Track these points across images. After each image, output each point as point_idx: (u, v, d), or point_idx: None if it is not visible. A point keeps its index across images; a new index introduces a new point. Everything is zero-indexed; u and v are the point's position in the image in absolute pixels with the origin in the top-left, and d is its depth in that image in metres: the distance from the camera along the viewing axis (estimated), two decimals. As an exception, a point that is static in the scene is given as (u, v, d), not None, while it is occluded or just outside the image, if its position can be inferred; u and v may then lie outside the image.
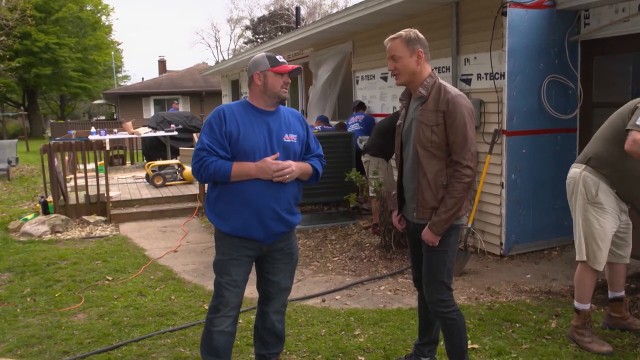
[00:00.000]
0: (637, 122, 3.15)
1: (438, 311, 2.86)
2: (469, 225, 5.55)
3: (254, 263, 3.09)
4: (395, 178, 7.14)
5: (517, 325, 3.88)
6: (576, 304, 3.56)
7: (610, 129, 3.44)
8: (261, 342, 3.21)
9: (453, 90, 2.78)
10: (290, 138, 2.96)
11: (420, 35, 2.85)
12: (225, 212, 2.91)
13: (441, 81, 2.83)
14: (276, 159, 2.85)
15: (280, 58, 2.95)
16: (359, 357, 3.47)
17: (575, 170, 3.53)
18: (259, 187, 2.86)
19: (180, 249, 6.47)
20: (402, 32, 2.82)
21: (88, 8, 35.69)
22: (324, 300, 4.60)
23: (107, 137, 11.82)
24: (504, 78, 5.31)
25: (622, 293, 3.69)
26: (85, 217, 7.83)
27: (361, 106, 7.88)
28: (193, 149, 9.87)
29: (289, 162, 2.89)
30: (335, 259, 5.80)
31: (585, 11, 5.35)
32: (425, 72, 2.83)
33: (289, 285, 3.20)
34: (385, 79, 7.58)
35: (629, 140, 3.14)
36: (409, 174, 2.91)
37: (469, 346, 3.50)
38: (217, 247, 3.02)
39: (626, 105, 3.41)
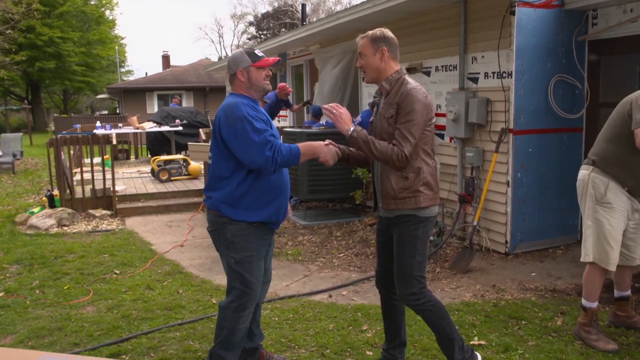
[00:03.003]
0: None
1: (411, 305, 2.91)
2: (475, 223, 5.58)
3: None
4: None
5: (523, 322, 3.91)
6: (584, 302, 3.59)
7: (612, 128, 3.49)
8: (248, 338, 3.24)
9: (412, 83, 2.84)
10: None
11: (389, 34, 2.93)
12: (258, 202, 2.93)
13: (406, 77, 2.90)
14: None
15: (258, 52, 3.01)
16: (367, 352, 3.51)
17: (584, 172, 3.57)
18: (285, 172, 3.04)
19: (186, 243, 6.51)
20: (370, 32, 2.93)
21: (92, 2, 35.80)
22: (330, 296, 4.63)
23: (113, 132, 11.84)
24: (511, 77, 5.33)
25: (629, 292, 3.72)
26: (91, 211, 7.87)
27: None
28: (202, 144, 9.78)
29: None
30: (341, 255, 5.84)
31: (593, 11, 5.37)
32: (390, 69, 2.90)
33: None
34: (391, 76, 7.59)
35: (639, 138, 3.18)
36: (377, 169, 2.99)
37: (476, 342, 3.55)
38: (235, 245, 2.94)
39: (621, 103, 3.45)
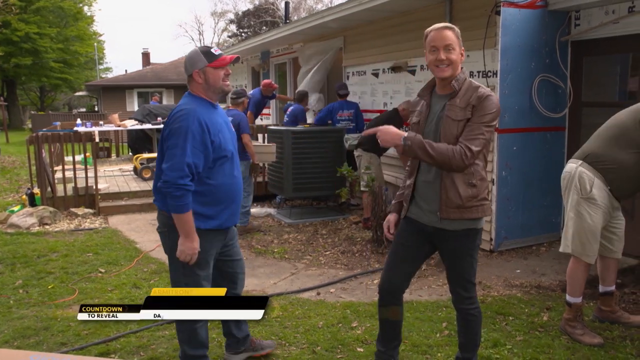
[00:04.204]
0: None
1: (463, 308, 2.90)
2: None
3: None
4: (385, 174, 7.14)
5: (510, 318, 3.97)
6: (568, 297, 3.66)
7: (616, 128, 3.50)
8: (238, 328, 3.30)
9: (484, 87, 2.74)
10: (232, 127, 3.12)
11: None
12: (212, 211, 2.88)
13: (469, 78, 2.79)
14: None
15: (215, 51, 2.87)
16: (358, 349, 3.53)
17: (572, 166, 3.61)
18: (239, 181, 3.01)
19: (171, 242, 6.45)
20: (451, 25, 2.74)
21: (70, -2, 35.17)
22: (319, 294, 4.64)
23: (95, 129, 11.70)
24: (496, 76, 5.40)
25: (613, 287, 3.80)
26: (73, 210, 7.76)
27: (344, 88, 7.83)
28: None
29: None
30: (327, 252, 5.85)
31: (576, 12, 5.46)
32: (459, 69, 2.76)
33: None
34: (376, 75, 7.63)
35: None
36: (432, 173, 2.76)
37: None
38: None
39: (636, 107, 3.47)
